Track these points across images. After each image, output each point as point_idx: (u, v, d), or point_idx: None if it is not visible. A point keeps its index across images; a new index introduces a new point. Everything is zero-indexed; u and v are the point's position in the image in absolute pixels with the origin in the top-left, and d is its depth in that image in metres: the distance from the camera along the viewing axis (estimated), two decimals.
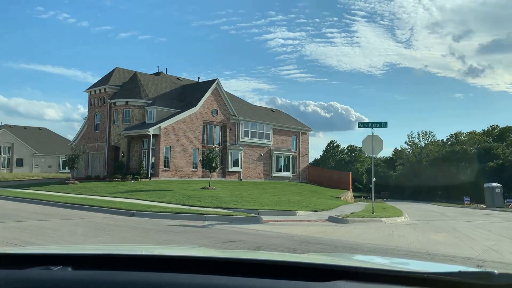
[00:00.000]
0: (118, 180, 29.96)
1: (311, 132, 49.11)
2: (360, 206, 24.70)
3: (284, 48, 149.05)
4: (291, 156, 45.06)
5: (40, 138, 77.03)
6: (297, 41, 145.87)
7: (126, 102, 35.26)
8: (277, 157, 43.85)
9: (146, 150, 33.90)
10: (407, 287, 1.37)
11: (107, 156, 35.86)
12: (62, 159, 77.46)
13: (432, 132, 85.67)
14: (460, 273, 1.41)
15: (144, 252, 1.97)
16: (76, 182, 29.04)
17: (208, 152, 25.90)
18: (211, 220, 13.05)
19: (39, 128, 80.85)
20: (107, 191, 23.05)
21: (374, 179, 19.45)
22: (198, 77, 43.51)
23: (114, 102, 35.62)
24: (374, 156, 19.30)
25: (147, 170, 32.21)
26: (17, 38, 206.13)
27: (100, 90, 36.97)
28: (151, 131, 32.21)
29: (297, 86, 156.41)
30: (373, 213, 17.11)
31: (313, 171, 47.76)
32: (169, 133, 33.90)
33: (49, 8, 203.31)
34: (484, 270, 1.47)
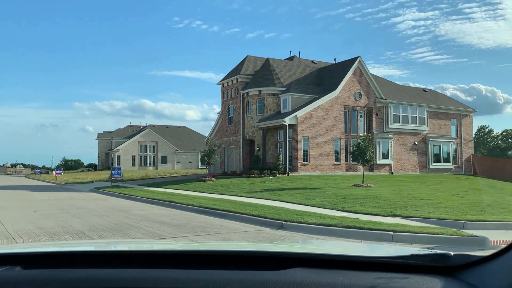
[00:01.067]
0: (255, 176, 27.08)
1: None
2: None
3: (415, 30, 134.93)
4: (451, 143, 37.37)
5: (180, 136, 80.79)
6: (429, 21, 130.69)
7: (259, 91, 32.34)
8: (434, 145, 36.67)
9: (282, 143, 30.49)
10: (360, 271, 1.37)
11: (242, 150, 33.52)
12: (200, 155, 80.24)
13: None
14: (414, 256, 1.43)
15: (97, 248, 1.93)
16: (212, 178, 26.96)
17: (359, 141, 21.12)
18: (402, 241, 8.40)
19: (180, 127, 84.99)
20: (245, 190, 19.97)
21: None
22: (335, 59, 38.60)
23: (247, 92, 33.02)
24: None
25: (285, 164, 28.72)
26: (159, 48, 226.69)
27: (232, 81, 34.81)
28: (287, 120, 28.63)
29: (432, 70, 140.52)
30: None
31: (480, 161, 39.08)
32: (306, 122, 29.94)
33: (184, 17, 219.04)
34: (439, 252, 1.47)
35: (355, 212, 12.27)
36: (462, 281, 1.34)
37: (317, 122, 30.38)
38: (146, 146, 74.27)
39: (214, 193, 19.68)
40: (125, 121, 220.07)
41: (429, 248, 2.17)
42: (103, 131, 78.30)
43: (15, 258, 1.51)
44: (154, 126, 79.49)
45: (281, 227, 10.04)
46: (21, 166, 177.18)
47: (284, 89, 31.97)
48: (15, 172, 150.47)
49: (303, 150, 29.71)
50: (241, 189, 20.59)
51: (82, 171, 79.87)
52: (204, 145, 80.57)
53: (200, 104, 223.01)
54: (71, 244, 2.41)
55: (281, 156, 29.58)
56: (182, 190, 22.67)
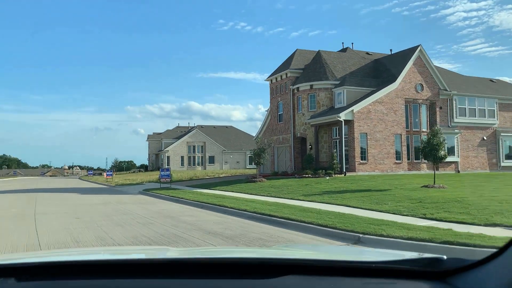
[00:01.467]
0: (308, 177, 25.22)
1: None
2: None
3: (467, 22, 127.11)
4: None
5: (227, 136, 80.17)
6: (482, 12, 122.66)
7: (311, 86, 30.41)
8: (506, 140, 33.07)
9: (337, 140, 28.41)
10: (349, 277, 1.37)
11: (292, 149, 31.74)
12: (248, 155, 79.16)
13: None
14: (405, 261, 1.42)
15: (91, 258, 1.91)
16: (263, 179, 25.39)
17: (430, 135, 18.70)
18: None
19: (226, 127, 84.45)
20: (301, 192, 18.20)
21: None
22: (391, 50, 35.93)
23: (297, 88, 31.19)
24: None
25: (341, 163, 26.62)
26: (205, 51, 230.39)
27: (281, 76, 33.11)
28: (342, 116, 26.53)
29: (486, 62, 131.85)
30: None
31: None
32: (364, 117, 27.66)
33: (229, 19, 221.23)
34: (431, 256, 1.45)
35: (441, 220, 10.17)
36: (451, 286, 1.33)
37: (376, 117, 28.02)
38: (194, 147, 74.23)
39: (267, 196, 18.07)
40: (174, 123, 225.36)
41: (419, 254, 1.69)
42: (153, 133, 79.27)
43: (10, 269, 1.47)
44: (201, 126, 79.43)
45: (358, 241, 8.19)
46: (78, 168, 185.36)
47: (337, 82, 29.84)
48: (72, 174, 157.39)
49: (361, 148, 27.47)
50: (296, 191, 18.83)
51: (134, 172, 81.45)
52: (251, 145, 79.46)
53: (245, 105, 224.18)
54: (73, 252, 2.41)
55: (336, 154, 27.52)
56: (232, 192, 21.26)
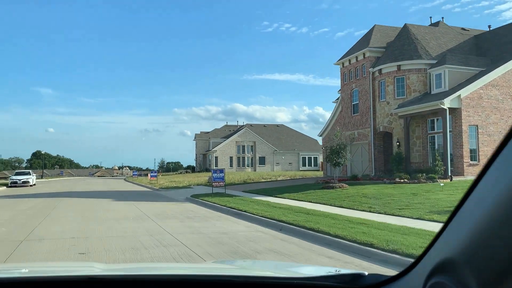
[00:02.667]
0: (404, 182, 19.12)
1: None
2: None
3: None
4: None
5: (278, 135, 74.64)
6: None
7: (398, 67, 24.15)
8: None
9: (436, 135, 22.05)
10: None
11: (372, 146, 25.60)
12: (302, 156, 73.28)
13: None
14: (325, 277, 1.41)
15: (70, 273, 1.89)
16: (344, 185, 19.48)
17: None
18: None
19: (277, 125, 78.94)
20: (419, 207, 12.21)
21: None
22: (489, 26, 28.94)
23: (379, 70, 25.04)
24: None
25: (446, 165, 20.23)
26: (249, 53, 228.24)
27: (356, 57, 27.06)
28: (446, 103, 20.18)
29: None
30: None
31: None
32: (474, 105, 21.12)
33: (273, 21, 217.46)
34: (350, 272, 1.46)
35: None
36: None
37: (488, 105, 21.40)
38: (243, 146, 69.28)
39: (372, 212, 12.21)
40: (220, 124, 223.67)
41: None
42: (200, 132, 75.22)
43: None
44: (251, 125, 74.45)
45: None
46: (127, 168, 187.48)
47: (434, 61, 23.42)
48: (121, 174, 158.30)
49: (470, 145, 20.97)
50: (411, 204, 12.83)
51: (180, 173, 77.82)
52: (304, 145, 73.50)
53: (290, 106, 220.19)
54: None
55: (435, 153, 21.17)
56: (310, 202, 15.58)
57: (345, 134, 27.71)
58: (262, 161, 69.72)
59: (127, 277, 1.57)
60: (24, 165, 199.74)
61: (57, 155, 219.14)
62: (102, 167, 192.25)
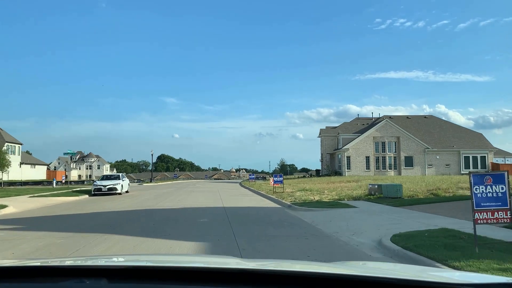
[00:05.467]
0: None
1: None
2: None
3: None
4: None
5: (428, 128, 58.16)
6: None
7: None
8: None
9: None
10: None
11: None
12: (464, 155, 55.61)
13: None
14: (500, 285, 1.33)
15: (174, 264, 1.81)
16: None
17: None
18: None
19: (425, 117, 62.25)
20: None
21: None
22: None
23: None
24: None
25: None
26: (360, 52, 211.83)
27: None
28: None
29: None
30: None
31: None
32: None
33: (387, 17, 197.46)
34: None
35: None
36: None
37: None
38: (383, 144, 54.67)
39: None
40: (339, 121, 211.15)
41: None
42: (326, 127, 62.44)
43: (102, 271, 1.48)
44: (390, 117, 59.31)
45: None
46: (244, 170, 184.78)
47: None
48: (238, 176, 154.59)
49: None
50: None
51: (303, 176, 66.16)
52: (466, 141, 56.12)
53: (408, 105, 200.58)
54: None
55: None
56: None
57: None
58: (409, 162, 54.20)
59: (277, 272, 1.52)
60: (150, 168, 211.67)
61: (179, 158, 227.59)
62: (220, 169, 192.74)
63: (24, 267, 1.65)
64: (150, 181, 58.51)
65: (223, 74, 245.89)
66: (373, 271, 1.99)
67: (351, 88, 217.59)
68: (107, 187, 26.69)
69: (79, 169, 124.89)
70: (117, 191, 26.84)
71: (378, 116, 61.93)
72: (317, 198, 20.05)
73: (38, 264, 1.70)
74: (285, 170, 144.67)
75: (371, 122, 59.59)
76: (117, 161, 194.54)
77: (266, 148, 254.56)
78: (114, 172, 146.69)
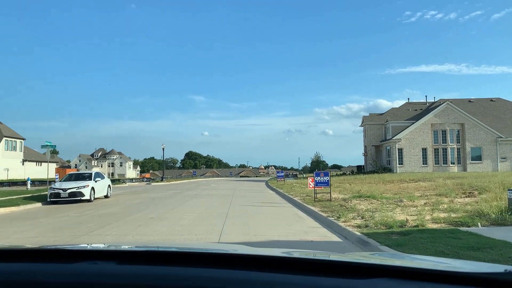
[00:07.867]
0: None
1: None
2: None
3: None
4: None
5: (497, 113, 47.19)
6: None
7: None
8: None
9: None
10: (449, 285, 1.31)
11: None
12: None
13: None
14: (508, 273, 1.33)
15: (184, 249, 1.81)
16: None
17: None
18: None
19: (492, 100, 51.03)
20: None
21: None
22: None
23: None
24: None
25: None
26: (390, 46, 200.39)
27: None
28: None
29: None
30: None
31: None
32: None
33: (417, 10, 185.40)
34: None
35: None
36: None
37: None
38: (443, 132, 44.25)
39: None
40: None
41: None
42: (370, 114, 52.36)
43: (113, 254, 1.60)
44: (450, 101, 48.71)
45: None
46: (273, 167, 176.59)
47: None
48: (267, 173, 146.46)
49: None
50: None
51: (337, 174, 56.71)
52: None
53: (440, 98, 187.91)
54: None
55: None
56: None
57: None
58: (477, 154, 43.60)
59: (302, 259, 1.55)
60: (178, 165, 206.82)
61: (207, 155, 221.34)
62: (249, 166, 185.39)
63: (43, 250, 1.71)
64: (161, 180, 50.25)
65: (251, 71, 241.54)
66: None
67: (382, 82, 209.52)
68: (68, 191, 18.20)
69: (101, 166, 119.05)
70: (83, 197, 18.32)
71: (433, 100, 51.44)
72: (400, 214, 10.74)
73: (56, 247, 1.76)
74: (318, 167, 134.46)
75: (426, 107, 49.21)
76: (145, 159, 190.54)
77: (295, 145, 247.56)
78: (138, 170, 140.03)
